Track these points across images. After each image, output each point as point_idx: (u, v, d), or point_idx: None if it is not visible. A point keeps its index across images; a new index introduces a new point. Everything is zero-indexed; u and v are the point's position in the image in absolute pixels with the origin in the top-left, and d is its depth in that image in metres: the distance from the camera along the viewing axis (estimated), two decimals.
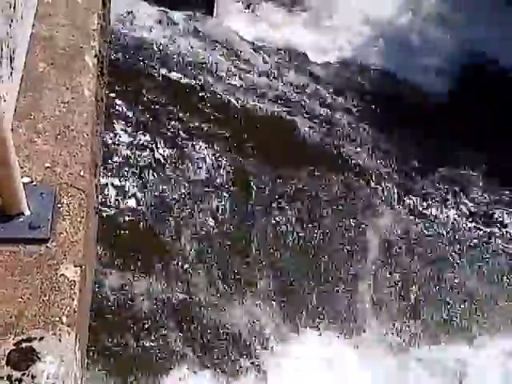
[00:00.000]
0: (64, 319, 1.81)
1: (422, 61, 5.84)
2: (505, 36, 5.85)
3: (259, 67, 5.50)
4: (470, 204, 4.70)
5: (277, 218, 4.30)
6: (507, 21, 5.88)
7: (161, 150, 4.39)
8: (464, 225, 4.58)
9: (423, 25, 6.07)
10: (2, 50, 1.94)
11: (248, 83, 5.32)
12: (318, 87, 5.46)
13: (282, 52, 5.78)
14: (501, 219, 4.61)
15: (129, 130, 4.52)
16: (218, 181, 4.38)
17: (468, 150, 5.00)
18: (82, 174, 2.10)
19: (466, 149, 5.00)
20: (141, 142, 4.46)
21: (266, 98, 5.28)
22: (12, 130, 2.02)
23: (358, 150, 4.96)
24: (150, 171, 4.32)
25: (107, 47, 2.72)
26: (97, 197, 2.39)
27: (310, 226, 4.34)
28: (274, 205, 4.40)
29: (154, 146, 4.45)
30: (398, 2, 6.26)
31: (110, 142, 4.24)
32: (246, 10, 6.00)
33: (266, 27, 5.90)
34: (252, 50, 5.63)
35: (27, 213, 1.88)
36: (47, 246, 1.89)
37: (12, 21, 2.13)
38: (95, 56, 2.48)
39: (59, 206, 1.98)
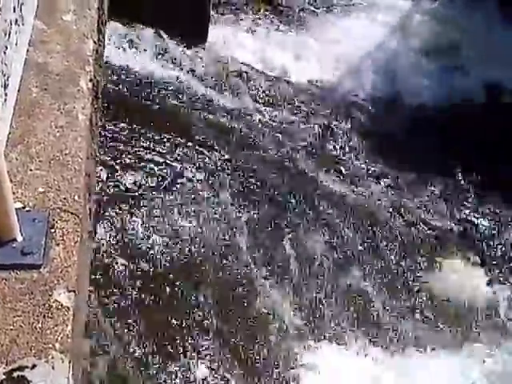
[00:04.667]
0: (57, 346, 1.78)
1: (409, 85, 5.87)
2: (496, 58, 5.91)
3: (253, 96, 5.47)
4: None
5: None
6: (500, 44, 5.95)
7: None
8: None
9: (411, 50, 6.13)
10: None
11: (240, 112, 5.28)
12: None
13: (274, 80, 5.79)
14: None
15: None
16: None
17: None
18: (75, 198, 2.09)
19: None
20: None
21: (264, 126, 5.24)
22: (5, 155, 2.02)
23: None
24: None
25: (102, 72, 2.73)
26: (91, 221, 2.38)
27: None
28: None
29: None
30: (387, 27, 6.30)
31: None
32: (239, 29, 6.04)
33: (258, 47, 5.94)
34: (245, 77, 5.63)
35: (20, 239, 1.87)
36: (40, 272, 1.88)
37: (7, 48, 2.15)
38: (90, 80, 2.50)
39: (52, 230, 1.97)
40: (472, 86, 5.83)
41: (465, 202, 4.91)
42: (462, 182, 5.02)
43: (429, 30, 6.33)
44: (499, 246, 4.62)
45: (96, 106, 2.54)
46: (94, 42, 2.66)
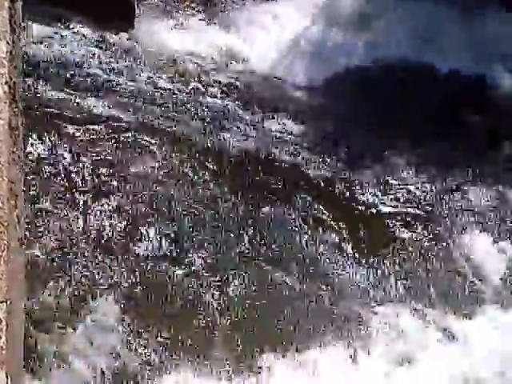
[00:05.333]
0: None
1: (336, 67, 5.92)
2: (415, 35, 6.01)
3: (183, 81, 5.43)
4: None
5: None
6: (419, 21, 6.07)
7: None
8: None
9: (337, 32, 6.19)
10: None
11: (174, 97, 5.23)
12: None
13: (206, 61, 5.76)
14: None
15: None
16: None
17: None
18: None
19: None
20: None
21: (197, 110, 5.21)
22: None
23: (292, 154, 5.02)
24: None
25: (19, 74, 2.64)
26: (20, 228, 2.31)
27: None
28: None
29: None
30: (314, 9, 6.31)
31: None
32: (166, 20, 5.98)
33: (188, 37, 5.89)
34: (177, 61, 5.59)
35: None
36: None
37: None
38: (6, 83, 2.41)
39: None
40: (398, 61, 5.93)
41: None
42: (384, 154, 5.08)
43: (353, 10, 6.37)
44: None
45: (15, 110, 2.45)
46: (8, 43, 2.56)
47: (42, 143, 4.18)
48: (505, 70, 5.71)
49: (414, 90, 5.53)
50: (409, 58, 5.85)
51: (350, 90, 5.62)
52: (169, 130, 4.92)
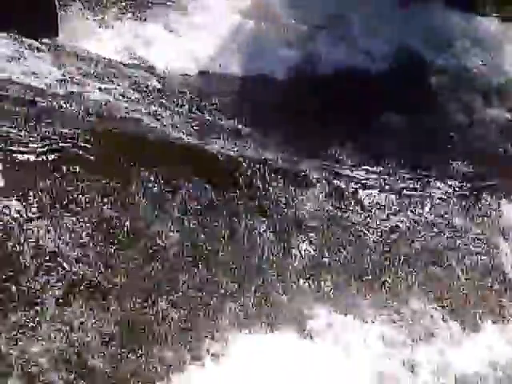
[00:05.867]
0: None
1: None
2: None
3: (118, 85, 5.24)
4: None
5: None
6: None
7: None
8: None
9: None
10: None
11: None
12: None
13: (143, 66, 5.58)
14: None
15: None
16: None
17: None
18: None
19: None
20: None
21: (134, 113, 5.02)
22: None
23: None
24: None
25: None
26: None
27: None
28: None
29: None
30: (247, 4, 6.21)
31: None
32: (94, 22, 5.76)
33: (116, 41, 5.70)
34: (107, 67, 5.38)
35: None
36: None
37: None
38: None
39: None
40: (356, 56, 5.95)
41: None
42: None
43: (284, 6, 6.33)
44: None
45: None
46: None
47: None
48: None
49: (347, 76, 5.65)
50: (346, 47, 5.97)
51: (286, 82, 5.59)
52: None
